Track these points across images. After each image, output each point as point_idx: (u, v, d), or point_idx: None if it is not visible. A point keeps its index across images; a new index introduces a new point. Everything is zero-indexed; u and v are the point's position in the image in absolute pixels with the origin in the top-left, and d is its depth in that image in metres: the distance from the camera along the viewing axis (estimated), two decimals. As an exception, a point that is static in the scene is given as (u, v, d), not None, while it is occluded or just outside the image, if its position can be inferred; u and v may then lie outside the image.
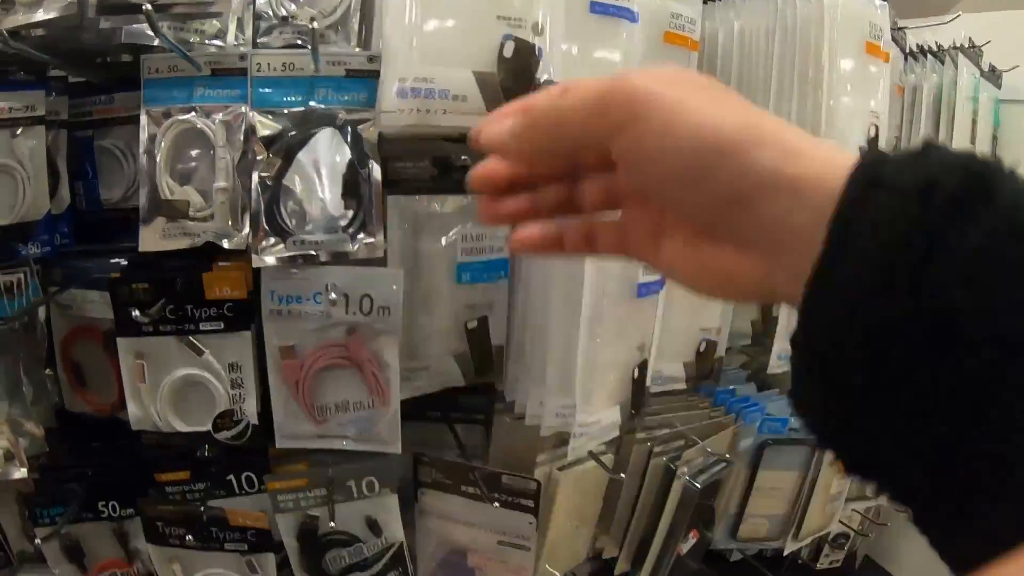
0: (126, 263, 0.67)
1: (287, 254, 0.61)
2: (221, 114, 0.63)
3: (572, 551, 0.79)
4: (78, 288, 0.70)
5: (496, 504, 0.69)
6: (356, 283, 0.62)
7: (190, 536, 0.66)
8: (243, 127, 0.63)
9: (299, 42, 0.68)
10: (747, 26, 0.77)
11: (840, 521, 0.92)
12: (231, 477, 0.70)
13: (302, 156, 0.61)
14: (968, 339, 0.18)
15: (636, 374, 0.68)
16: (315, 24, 0.61)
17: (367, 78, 0.62)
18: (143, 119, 0.63)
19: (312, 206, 0.61)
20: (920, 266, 0.18)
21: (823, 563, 1.01)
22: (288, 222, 0.60)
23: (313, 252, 0.61)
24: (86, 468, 0.72)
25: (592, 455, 0.71)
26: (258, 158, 0.61)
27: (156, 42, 0.64)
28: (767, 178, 0.22)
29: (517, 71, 0.58)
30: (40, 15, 0.54)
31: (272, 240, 0.61)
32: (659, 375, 0.75)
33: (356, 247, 0.61)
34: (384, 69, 0.57)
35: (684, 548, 0.81)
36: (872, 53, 0.71)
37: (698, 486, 0.72)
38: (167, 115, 0.64)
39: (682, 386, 0.76)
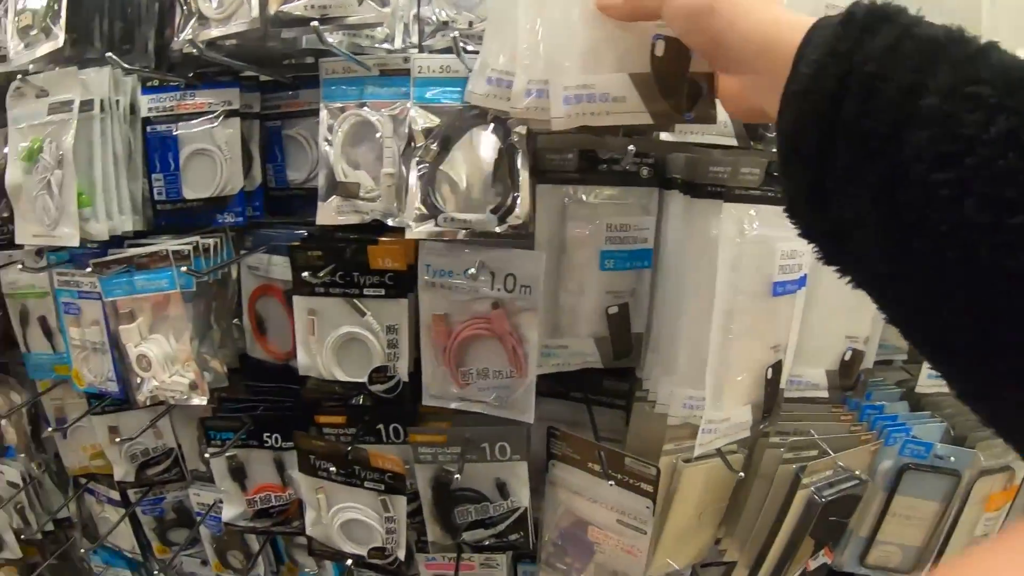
0: (305, 234, 0.78)
1: (437, 229, 0.67)
2: (387, 109, 0.72)
3: (693, 546, 0.81)
4: (264, 252, 0.82)
5: (614, 484, 0.73)
6: (502, 262, 0.68)
7: (336, 470, 0.77)
8: (407, 120, 0.71)
9: (463, 44, 0.75)
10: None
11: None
12: (380, 426, 0.79)
13: (457, 146, 0.68)
14: (880, 92, 0.30)
15: (770, 375, 0.68)
16: (456, 34, 0.67)
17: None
18: (322, 112, 0.74)
19: (463, 189, 0.68)
20: (845, 60, 0.32)
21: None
22: (440, 202, 0.67)
23: (458, 230, 0.67)
24: (257, 404, 0.86)
25: (719, 452, 0.72)
26: (417, 146, 0.68)
27: (345, 47, 0.74)
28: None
29: (670, 67, 0.60)
30: (231, 28, 0.67)
31: (426, 216, 0.68)
32: (798, 379, 0.74)
33: (502, 228, 0.67)
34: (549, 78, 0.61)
35: (812, 565, 0.79)
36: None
37: (822, 499, 0.71)
38: (342, 109, 0.74)
39: (824, 394, 0.74)
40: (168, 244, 0.77)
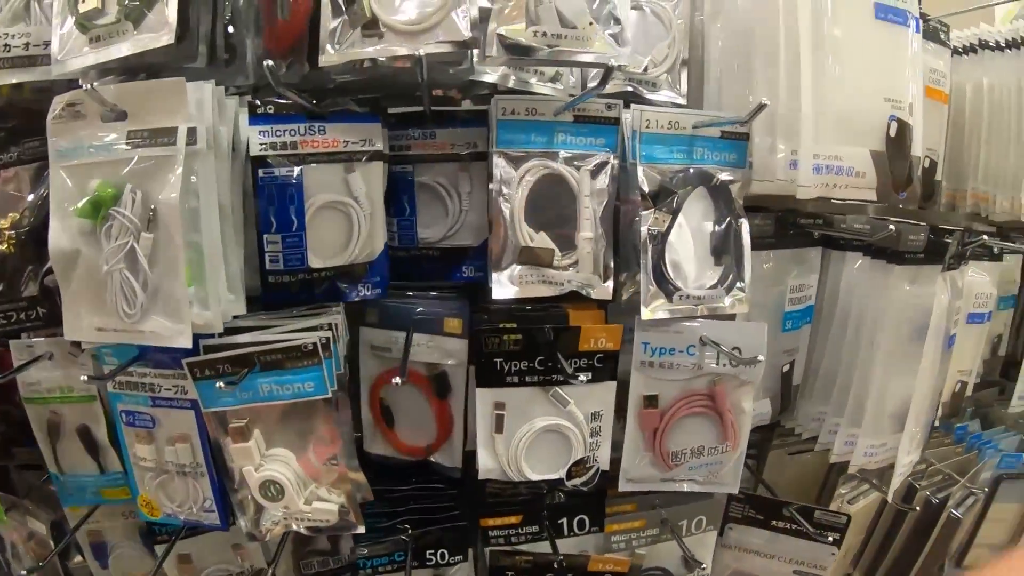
0: (486, 311, 0.69)
1: (673, 308, 0.66)
2: (582, 163, 0.66)
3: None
4: (394, 330, 0.72)
5: (802, 537, 0.78)
6: (727, 336, 0.68)
7: None
8: (606, 176, 0.67)
9: (629, 88, 0.73)
10: (997, 81, 0.88)
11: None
12: (563, 520, 0.75)
13: (683, 213, 0.67)
14: None
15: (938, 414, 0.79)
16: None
17: (740, 140, 0.68)
18: (496, 161, 0.65)
19: (692, 263, 0.67)
20: None
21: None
22: (673, 279, 0.66)
23: (695, 308, 0.67)
24: (397, 514, 0.76)
25: (878, 489, 0.81)
26: (643, 213, 0.66)
27: (511, 82, 0.67)
28: None
29: (899, 149, 0.67)
30: (427, 47, 0.56)
31: (659, 295, 0.66)
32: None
33: (729, 303, 0.68)
34: (790, 143, 0.63)
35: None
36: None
37: (960, 516, 0.85)
38: (521, 159, 0.66)
39: (937, 423, 0.88)
40: (306, 334, 0.63)
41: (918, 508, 0.81)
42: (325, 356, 0.60)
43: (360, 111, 0.65)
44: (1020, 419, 0.95)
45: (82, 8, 0.56)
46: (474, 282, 0.73)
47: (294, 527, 0.66)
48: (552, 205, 0.66)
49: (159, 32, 0.54)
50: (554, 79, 0.70)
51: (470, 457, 0.73)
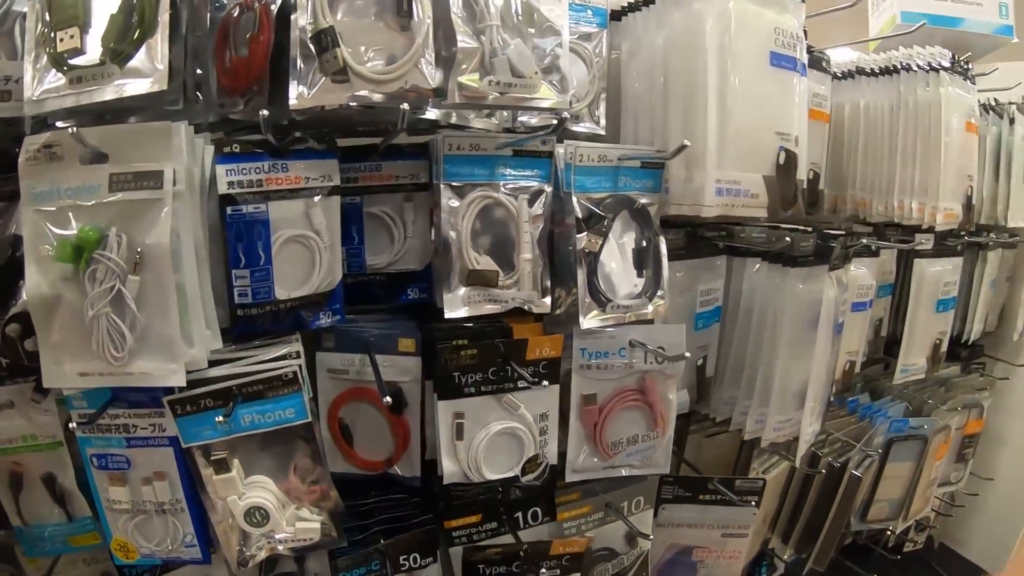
0: (438, 330, 0.79)
1: (605, 317, 0.78)
2: (523, 193, 0.77)
3: (754, 548, 1.05)
4: (353, 353, 0.81)
5: (726, 505, 0.92)
6: (652, 337, 0.81)
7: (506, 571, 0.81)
8: (544, 204, 0.78)
9: (554, 120, 0.84)
10: (871, 102, 1.05)
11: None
12: (519, 514, 0.86)
13: (611, 235, 0.79)
14: None
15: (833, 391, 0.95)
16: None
17: (657, 168, 0.81)
18: (442, 192, 0.74)
19: (619, 277, 0.80)
20: None
21: (908, 547, 1.37)
22: (605, 292, 0.78)
23: (624, 315, 0.79)
24: (366, 526, 0.84)
25: (787, 458, 0.97)
26: (578, 236, 0.77)
27: (452, 119, 0.77)
28: None
29: (787, 174, 0.81)
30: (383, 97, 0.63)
31: (593, 306, 0.78)
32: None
33: (651, 309, 0.81)
34: (700, 171, 0.77)
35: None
36: (970, 130, 1.04)
37: (860, 476, 1.02)
38: (467, 189, 0.75)
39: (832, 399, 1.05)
40: (281, 363, 0.71)
41: (823, 471, 0.97)
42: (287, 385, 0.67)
43: (319, 148, 0.72)
44: (904, 389, 1.13)
45: (60, 47, 0.59)
46: (418, 303, 0.82)
47: (280, 549, 0.72)
48: (493, 231, 0.76)
49: (149, 77, 0.59)
50: (490, 115, 0.80)
51: (427, 466, 0.81)
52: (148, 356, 0.61)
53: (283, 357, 0.69)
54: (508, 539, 0.82)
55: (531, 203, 0.77)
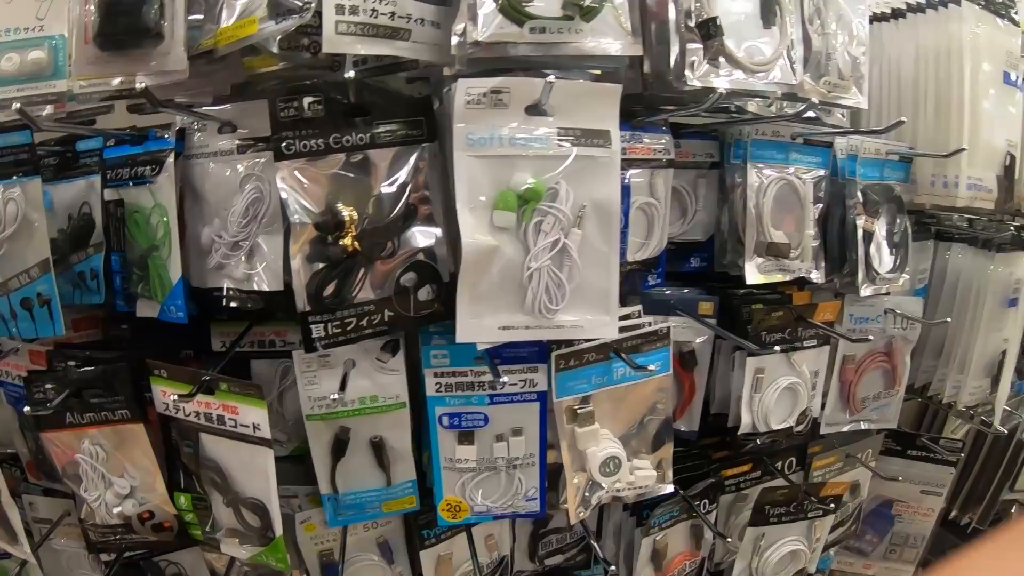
0: (737, 294, 0.81)
1: (875, 288, 0.83)
2: (808, 176, 0.82)
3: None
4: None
5: (928, 461, 0.98)
6: (901, 307, 0.87)
7: (784, 511, 0.83)
8: (822, 188, 0.82)
9: (812, 114, 0.88)
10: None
11: None
12: (779, 463, 0.88)
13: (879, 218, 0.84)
14: None
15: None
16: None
17: (907, 163, 0.87)
18: (751, 172, 0.79)
19: (883, 253, 0.84)
20: None
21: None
22: (875, 266, 0.83)
23: (886, 288, 0.84)
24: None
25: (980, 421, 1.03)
26: (859, 217, 0.81)
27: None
28: None
29: (1009, 175, 0.89)
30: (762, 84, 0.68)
31: (867, 279, 0.82)
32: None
33: (901, 283, 0.86)
34: (954, 168, 0.83)
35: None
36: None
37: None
38: (766, 171, 0.80)
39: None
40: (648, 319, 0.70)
41: (1006, 431, 1.02)
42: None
43: (658, 123, 0.74)
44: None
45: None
46: (695, 272, 0.86)
47: (624, 495, 0.71)
48: (784, 208, 0.81)
49: (618, 40, 0.58)
50: (770, 104, 0.84)
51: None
52: (580, 309, 0.60)
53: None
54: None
55: (815, 186, 0.81)
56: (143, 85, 0.56)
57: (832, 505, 0.86)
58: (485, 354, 0.64)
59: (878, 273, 0.83)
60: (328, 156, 0.60)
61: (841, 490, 0.86)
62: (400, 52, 0.60)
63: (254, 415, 0.65)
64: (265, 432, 0.65)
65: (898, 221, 0.86)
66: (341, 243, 0.60)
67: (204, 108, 0.66)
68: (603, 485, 0.72)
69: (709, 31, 0.66)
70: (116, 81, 0.59)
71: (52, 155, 0.75)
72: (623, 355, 0.67)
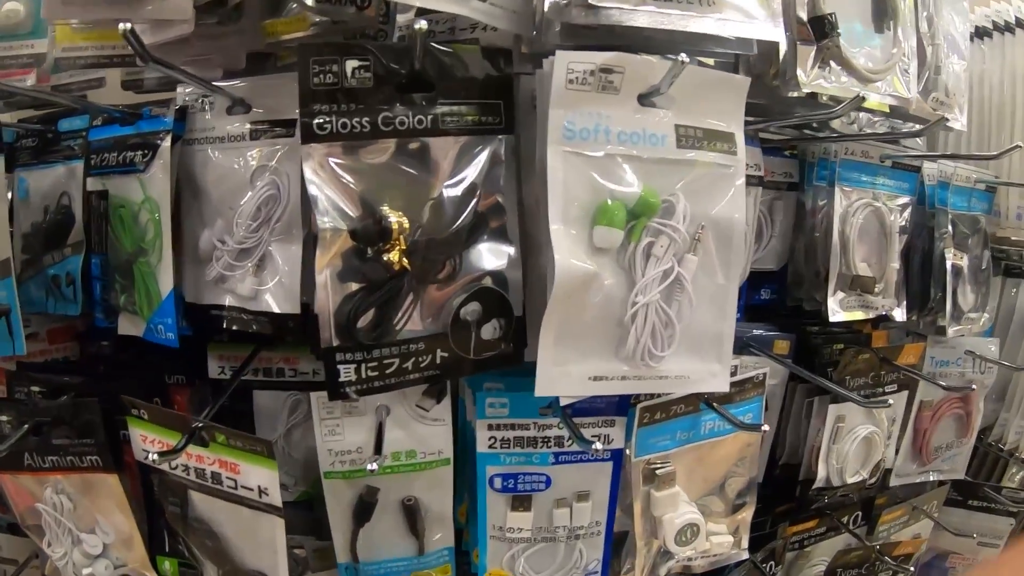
0: (817, 333, 0.70)
1: (959, 328, 0.74)
2: (894, 203, 0.72)
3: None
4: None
5: (988, 512, 0.89)
6: (979, 349, 0.78)
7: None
8: (907, 217, 0.72)
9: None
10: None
11: None
12: (846, 518, 0.77)
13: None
14: None
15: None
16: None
17: (991, 193, 0.78)
18: (837, 195, 0.68)
19: (967, 291, 0.75)
20: None
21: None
22: (961, 304, 0.73)
23: (969, 328, 0.74)
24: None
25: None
26: (946, 251, 0.72)
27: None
28: None
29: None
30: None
31: (953, 318, 0.73)
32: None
33: (982, 323, 0.77)
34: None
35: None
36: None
37: None
38: (853, 194, 0.69)
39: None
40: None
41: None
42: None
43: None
44: None
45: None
46: (765, 304, 0.74)
47: (695, 564, 0.59)
48: (867, 238, 0.71)
49: (758, 22, 0.46)
50: (853, 122, 0.77)
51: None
52: (686, 356, 0.47)
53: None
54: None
55: (900, 214, 0.71)
56: (127, 26, 0.40)
57: (907, 566, 0.75)
58: (558, 409, 0.50)
59: (963, 311, 0.74)
60: (375, 141, 0.44)
61: (913, 548, 0.77)
62: (474, 14, 0.44)
63: (260, 476, 0.51)
64: (274, 498, 0.51)
65: (983, 255, 0.77)
66: (385, 258, 0.44)
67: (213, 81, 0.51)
68: (674, 555, 0.60)
69: (824, 29, 0.56)
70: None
71: (32, 135, 0.61)
72: (717, 406, 0.55)
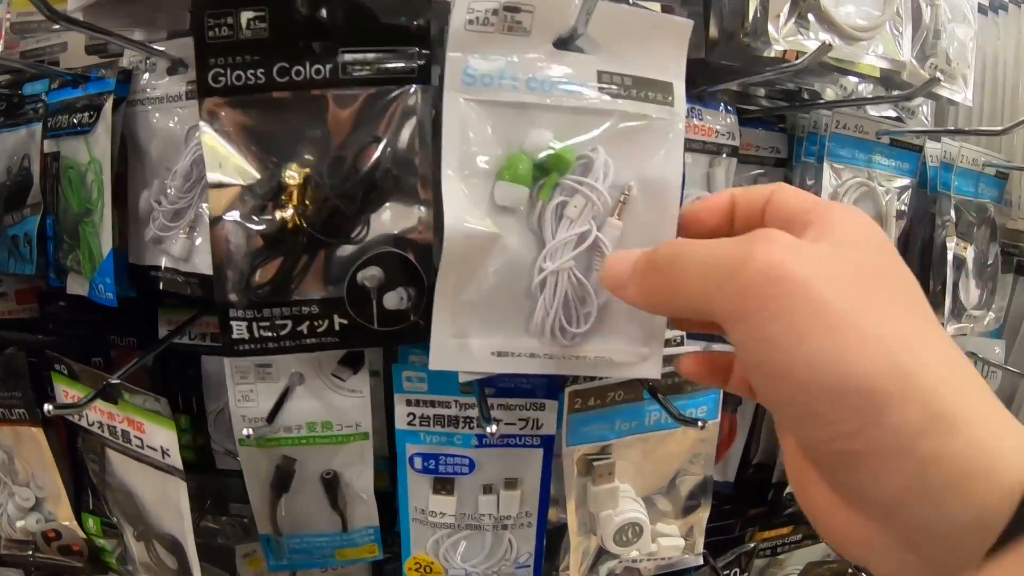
0: None
1: (960, 326, 0.66)
2: (890, 184, 0.64)
3: None
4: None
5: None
6: (982, 350, 0.69)
7: None
8: (906, 202, 0.64)
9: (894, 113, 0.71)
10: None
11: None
12: None
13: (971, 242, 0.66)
14: None
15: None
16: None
17: (1003, 179, 0.69)
18: (825, 170, 0.60)
19: (970, 285, 0.66)
20: None
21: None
22: (963, 300, 0.64)
23: (972, 326, 0.66)
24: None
25: None
26: (949, 240, 0.64)
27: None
28: (893, 444, 0.19)
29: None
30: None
31: (953, 314, 0.65)
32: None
33: (987, 322, 0.68)
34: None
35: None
36: None
37: None
38: (844, 172, 0.61)
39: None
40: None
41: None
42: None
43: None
44: None
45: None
46: None
47: (642, 566, 0.54)
48: None
49: None
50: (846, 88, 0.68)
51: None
52: (611, 335, 0.40)
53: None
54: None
55: (897, 197, 0.65)
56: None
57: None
58: (475, 386, 0.46)
59: (964, 308, 0.65)
60: (270, 94, 0.41)
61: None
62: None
63: (162, 437, 0.48)
64: (175, 459, 0.48)
65: (991, 248, 0.68)
66: (279, 215, 0.41)
67: (152, 43, 0.48)
68: (615, 555, 0.54)
69: (798, -17, 0.49)
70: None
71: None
72: (661, 398, 0.49)
